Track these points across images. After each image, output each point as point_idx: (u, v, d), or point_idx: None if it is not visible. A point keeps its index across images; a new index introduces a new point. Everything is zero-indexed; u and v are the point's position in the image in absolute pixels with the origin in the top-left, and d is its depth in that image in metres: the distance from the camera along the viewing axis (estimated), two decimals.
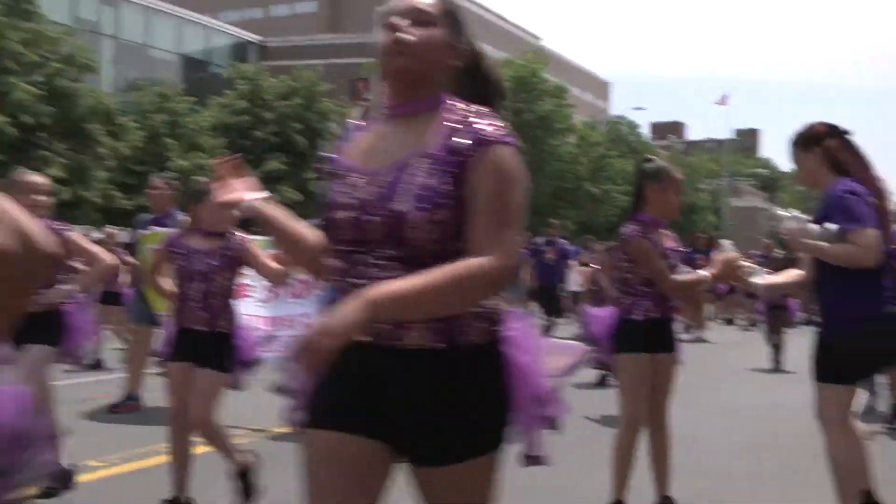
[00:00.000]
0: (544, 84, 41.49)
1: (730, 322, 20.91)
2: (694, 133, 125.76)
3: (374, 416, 2.04)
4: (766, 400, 9.14)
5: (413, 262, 1.98)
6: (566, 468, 5.94)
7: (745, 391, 10.05)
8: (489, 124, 2.09)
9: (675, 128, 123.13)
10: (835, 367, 4.17)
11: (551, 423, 2.17)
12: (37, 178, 5.00)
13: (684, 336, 15.96)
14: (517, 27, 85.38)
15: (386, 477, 2.08)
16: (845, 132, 4.30)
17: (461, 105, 2.14)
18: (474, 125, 2.08)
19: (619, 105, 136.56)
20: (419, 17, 2.18)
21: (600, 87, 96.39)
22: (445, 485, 2.08)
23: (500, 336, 2.10)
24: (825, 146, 4.23)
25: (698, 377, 9.98)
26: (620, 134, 57.65)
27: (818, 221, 4.14)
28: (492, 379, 2.07)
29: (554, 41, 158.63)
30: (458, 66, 2.27)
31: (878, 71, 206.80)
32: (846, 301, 4.13)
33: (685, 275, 4.58)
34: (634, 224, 4.59)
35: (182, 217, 6.94)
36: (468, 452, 2.05)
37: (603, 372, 9.26)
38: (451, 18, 2.28)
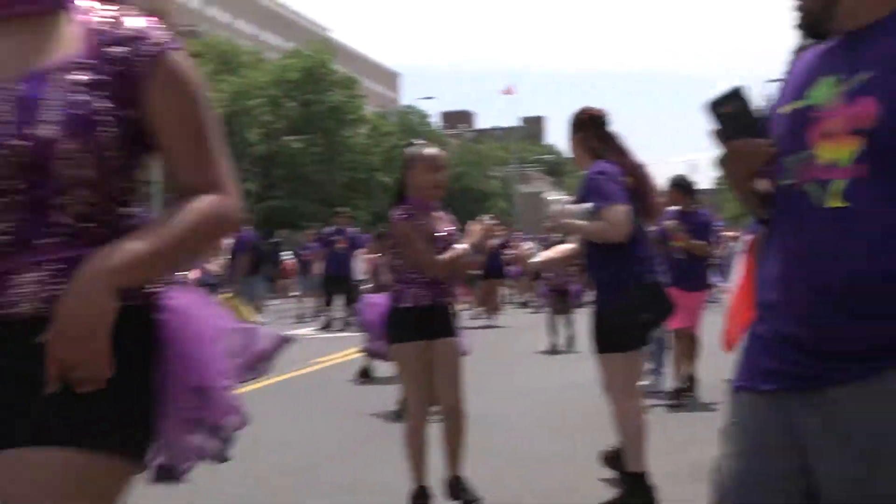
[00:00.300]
0: (334, 75, 41.29)
1: (524, 305, 21.56)
2: (483, 122, 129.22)
3: None
4: (557, 381, 9.44)
5: (50, 207, 1.56)
6: (363, 462, 5.97)
7: (536, 373, 10.32)
8: (150, 26, 1.64)
9: (464, 117, 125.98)
10: (610, 338, 4.45)
11: (213, 429, 1.70)
12: None
13: (476, 321, 16.45)
14: (304, 18, 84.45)
15: None
16: (601, 119, 4.65)
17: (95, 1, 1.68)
18: (130, 26, 1.63)
19: (409, 95, 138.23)
20: None
21: (390, 78, 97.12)
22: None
23: (155, 301, 1.66)
24: (584, 132, 4.66)
25: (491, 362, 10.27)
26: (411, 124, 58.34)
27: (579, 202, 4.49)
28: (127, 352, 1.55)
29: (343, 32, 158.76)
30: None
31: (648, 55, 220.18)
32: (609, 273, 4.49)
33: (444, 254, 4.54)
34: (400, 208, 4.60)
35: None
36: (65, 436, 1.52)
37: (366, 364, 9.25)
38: None
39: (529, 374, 10.28)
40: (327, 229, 16.45)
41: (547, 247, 12.32)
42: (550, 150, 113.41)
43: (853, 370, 1.79)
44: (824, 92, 1.87)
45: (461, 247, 4.57)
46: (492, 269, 14.71)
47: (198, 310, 1.73)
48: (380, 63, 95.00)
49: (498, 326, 15.79)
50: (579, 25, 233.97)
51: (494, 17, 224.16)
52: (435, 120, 70.63)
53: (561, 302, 12.20)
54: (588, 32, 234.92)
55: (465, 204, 58.11)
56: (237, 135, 38.06)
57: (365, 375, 9.35)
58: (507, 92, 65.97)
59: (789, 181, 1.89)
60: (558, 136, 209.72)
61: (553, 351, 11.96)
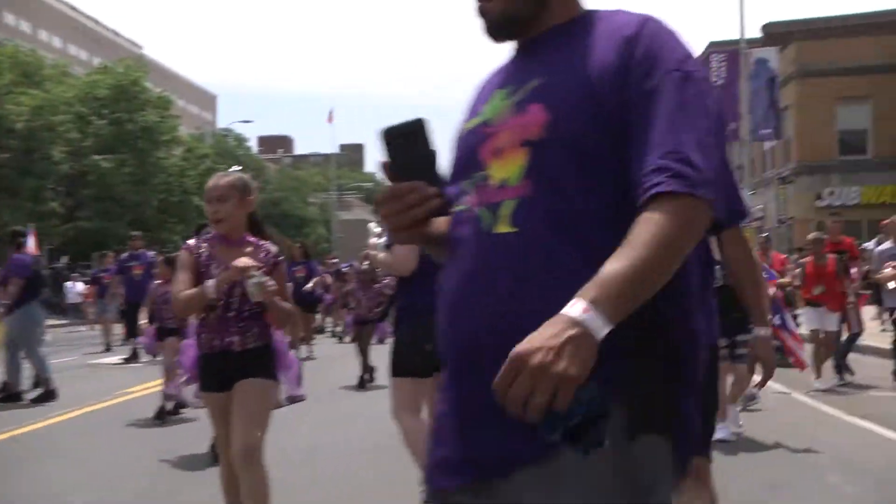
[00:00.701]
0: (147, 94, 39.78)
1: (336, 335, 20.85)
2: (302, 147, 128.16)
3: None
4: (373, 409, 9.29)
5: None
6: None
7: (354, 402, 10.20)
8: None
9: (283, 142, 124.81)
10: (400, 363, 4.72)
11: None
12: None
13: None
14: (116, 34, 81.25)
15: None
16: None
17: None
18: None
19: (227, 118, 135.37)
20: None
21: (207, 100, 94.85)
22: None
23: None
24: None
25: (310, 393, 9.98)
26: (227, 147, 57.05)
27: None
28: None
29: (158, 50, 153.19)
30: None
31: (455, 91, 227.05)
32: (406, 301, 4.78)
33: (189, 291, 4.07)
34: (198, 237, 4.39)
35: None
36: None
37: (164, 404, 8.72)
38: None
39: (347, 403, 10.12)
40: (124, 254, 15.43)
41: (359, 274, 12.28)
42: (370, 178, 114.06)
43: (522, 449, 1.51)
44: (496, 105, 1.74)
45: (209, 283, 3.98)
46: (300, 300, 13.63)
47: None
48: (196, 83, 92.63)
49: (313, 358, 15.20)
50: (398, 55, 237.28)
51: (314, 42, 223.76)
52: (253, 144, 69.50)
53: (364, 334, 11.97)
54: (407, 62, 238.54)
55: (284, 230, 57.43)
56: (39, 151, 35.92)
57: (160, 417, 8.68)
58: (329, 119, 65.68)
59: (464, 207, 1.71)
60: (377, 164, 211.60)
61: (360, 382, 11.50)
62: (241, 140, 60.91)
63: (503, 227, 1.62)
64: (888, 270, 9.39)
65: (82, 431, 8.36)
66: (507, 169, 1.64)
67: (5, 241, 15.34)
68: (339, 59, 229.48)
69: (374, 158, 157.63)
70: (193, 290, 3.98)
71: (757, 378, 3.58)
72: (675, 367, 1.58)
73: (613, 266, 1.45)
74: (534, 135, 1.61)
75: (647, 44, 1.62)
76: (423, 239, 1.80)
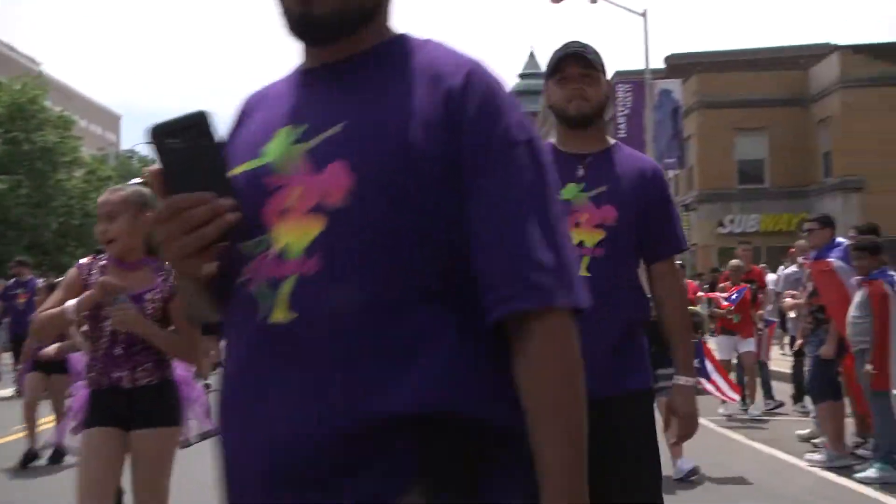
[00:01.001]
0: (45, 113, 38.57)
1: None
2: None
3: None
4: None
5: None
6: None
7: None
8: None
9: None
10: None
11: None
12: None
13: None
14: (11, 49, 78.77)
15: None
16: None
17: None
18: None
19: (132, 139, 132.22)
20: None
21: (110, 120, 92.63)
22: None
23: None
24: None
25: None
26: (132, 169, 55.71)
27: None
28: None
29: (58, 68, 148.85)
30: None
31: None
32: None
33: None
34: (91, 259, 3.92)
35: None
36: None
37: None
38: None
39: None
40: (9, 282, 14.29)
41: None
42: None
43: None
44: (283, 148, 1.37)
45: (70, 303, 3.55)
46: None
47: None
48: (99, 103, 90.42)
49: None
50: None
51: (219, 59, 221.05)
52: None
53: None
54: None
55: None
56: None
57: (25, 463, 8.04)
58: None
59: (243, 278, 1.37)
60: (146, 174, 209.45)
61: None
62: (146, 162, 59.57)
63: (279, 315, 1.30)
64: (788, 300, 9.67)
65: None
66: (291, 237, 1.32)
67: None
68: (251, 77, 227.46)
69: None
70: (54, 310, 3.57)
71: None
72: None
73: (550, 465, 1.30)
74: (333, 202, 1.31)
75: (480, 102, 1.35)
76: (204, 278, 1.40)
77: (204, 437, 3.84)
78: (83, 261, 3.84)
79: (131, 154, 59.52)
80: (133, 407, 3.56)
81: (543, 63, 3.29)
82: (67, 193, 38.89)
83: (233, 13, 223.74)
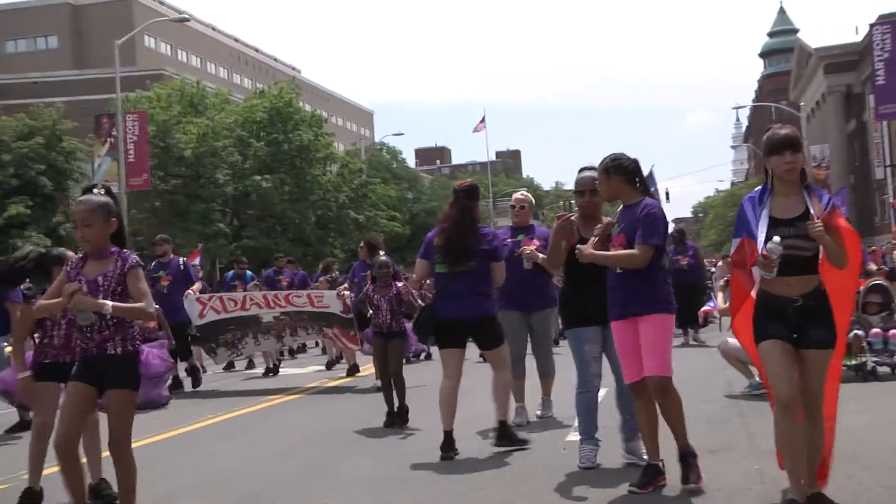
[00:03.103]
0: (300, 114, 41.47)
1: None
2: (459, 157, 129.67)
3: None
4: None
5: None
6: None
7: None
8: None
9: (439, 153, 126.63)
10: None
11: None
12: None
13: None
14: (274, 59, 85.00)
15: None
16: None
17: None
18: None
19: (384, 132, 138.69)
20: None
21: (364, 117, 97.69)
22: None
23: None
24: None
25: None
26: (382, 160, 58.55)
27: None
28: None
29: (315, 73, 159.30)
30: None
31: (610, 93, 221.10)
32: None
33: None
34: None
35: None
36: None
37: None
38: None
39: None
40: (269, 271, 16.91)
41: None
42: (530, 183, 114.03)
43: None
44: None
45: (39, 303, 4.80)
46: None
47: None
48: (353, 102, 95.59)
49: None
50: (548, 62, 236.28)
51: (466, 51, 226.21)
52: (410, 157, 71.26)
53: None
54: (556, 69, 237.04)
55: None
56: (205, 176, 38.11)
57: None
58: (477, 129, 66.23)
59: None
60: (535, 169, 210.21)
61: None
62: (394, 153, 62.41)
63: None
64: None
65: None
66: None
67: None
68: (491, 66, 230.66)
69: (531, 164, 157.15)
70: (42, 303, 4.74)
71: None
72: None
73: None
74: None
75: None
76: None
77: (148, 405, 4.86)
78: (74, 257, 4.97)
79: (381, 146, 62.53)
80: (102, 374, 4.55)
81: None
82: (323, 188, 41.57)
83: (474, 10, 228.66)
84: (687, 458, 5.13)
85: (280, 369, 14.14)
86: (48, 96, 42.27)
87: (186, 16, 39.82)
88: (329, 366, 14.47)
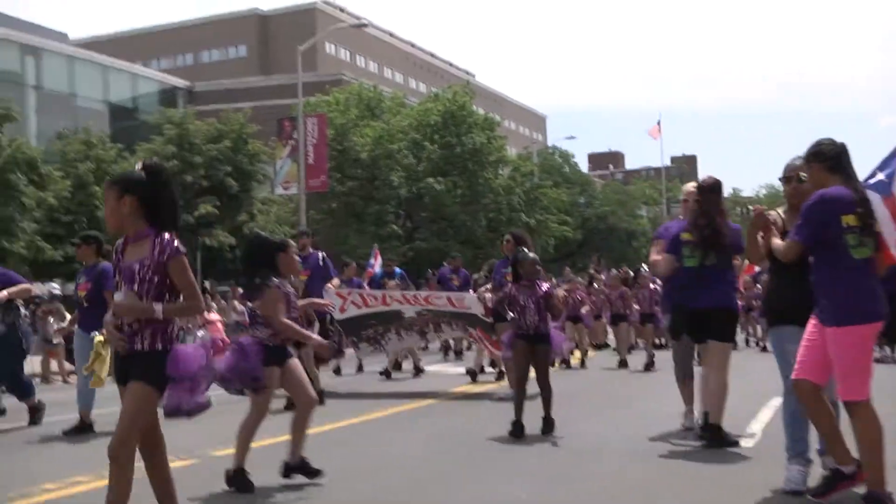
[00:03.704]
0: (473, 117, 41.80)
1: None
2: (633, 162, 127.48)
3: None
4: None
5: None
6: None
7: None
8: None
9: (613, 158, 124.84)
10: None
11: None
12: None
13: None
14: (449, 64, 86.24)
15: None
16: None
17: None
18: None
19: (557, 137, 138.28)
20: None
21: (537, 121, 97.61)
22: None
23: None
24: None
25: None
26: (553, 164, 58.25)
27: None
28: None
29: (489, 77, 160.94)
30: None
31: (795, 96, 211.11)
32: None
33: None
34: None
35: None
36: None
37: None
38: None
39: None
40: (444, 269, 17.06)
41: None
42: None
43: None
44: None
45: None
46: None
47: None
48: (527, 106, 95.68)
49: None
50: (728, 64, 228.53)
51: (641, 56, 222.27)
52: (582, 161, 70.61)
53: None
54: (736, 70, 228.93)
55: (611, 243, 57.56)
56: (380, 178, 39.04)
57: None
58: (653, 134, 64.74)
59: None
60: (711, 175, 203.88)
61: None
62: (566, 157, 61.95)
63: None
64: None
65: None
66: None
67: (360, 265, 17.45)
68: (666, 68, 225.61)
69: (708, 169, 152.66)
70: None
71: None
72: None
73: None
74: None
75: None
76: None
77: (170, 411, 4.08)
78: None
79: (553, 150, 62.25)
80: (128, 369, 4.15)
81: None
82: (495, 191, 41.74)
83: (650, 12, 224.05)
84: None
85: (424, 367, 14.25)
86: (236, 102, 44.49)
87: (365, 22, 40.86)
88: (473, 375, 13.09)
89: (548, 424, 7.65)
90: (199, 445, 6.99)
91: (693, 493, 5.42)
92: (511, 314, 8.05)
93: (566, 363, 15.19)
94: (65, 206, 30.38)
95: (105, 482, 4.23)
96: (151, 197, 4.09)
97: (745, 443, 6.90)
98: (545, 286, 8.01)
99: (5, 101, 29.25)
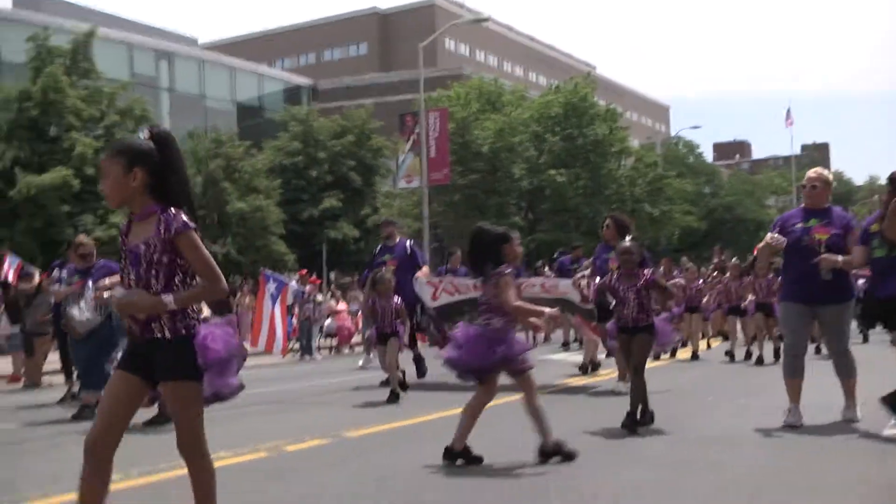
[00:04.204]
0: (595, 108, 41.21)
1: None
2: (760, 151, 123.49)
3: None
4: None
5: None
6: None
7: None
8: None
9: (739, 147, 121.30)
10: None
11: None
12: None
13: None
14: (570, 56, 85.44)
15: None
16: None
17: None
18: None
19: (680, 127, 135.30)
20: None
21: (659, 111, 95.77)
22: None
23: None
24: None
25: None
26: (677, 154, 56.92)
27: None
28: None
29: (611, 69, 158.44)
30: None
31: None
32: None
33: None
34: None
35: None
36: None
37: None
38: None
39: None
40: (564, 258, 16.76)
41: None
42: (839, 177, 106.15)
43: None
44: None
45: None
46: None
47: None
48: (649, 97, 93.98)
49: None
50: (858, 46, 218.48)
51: (765, 42, 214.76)
52: (708, 151, 68.91)
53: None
54: (868, 53, 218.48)
55: (739, 234, 55.85)
56: (502, 171, 38.96)
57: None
58: (788, 122, 62.45)
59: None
60: (845, 163, 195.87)
61: None
62: (691, 147, 60.45)
63: None
64: None
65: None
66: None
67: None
68: (796, 55, 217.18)
69: (841, 157, 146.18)
70: None
71: None
72: None
73: None
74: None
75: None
76: None
77: (215, 398, 3.57)
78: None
79: (676, 140, 60.85)
80: (144, 360, 3.62)
81: None
82: (617, 181, 41.08)
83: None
84: None
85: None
86: (358, 98, 45.18)
87: (485, 16, 40.79)
88: (584, 369, 12.27)
89: (638, 419, 7.05)
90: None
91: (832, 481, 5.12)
92: (612, 304, 7.66)
93: (673, 355, 14.55)
94: (197, 202, 31.53)
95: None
96: (161, 169, 3.58)
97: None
98: (647, 273, 7.45)
99: (140, 101, 30.55)
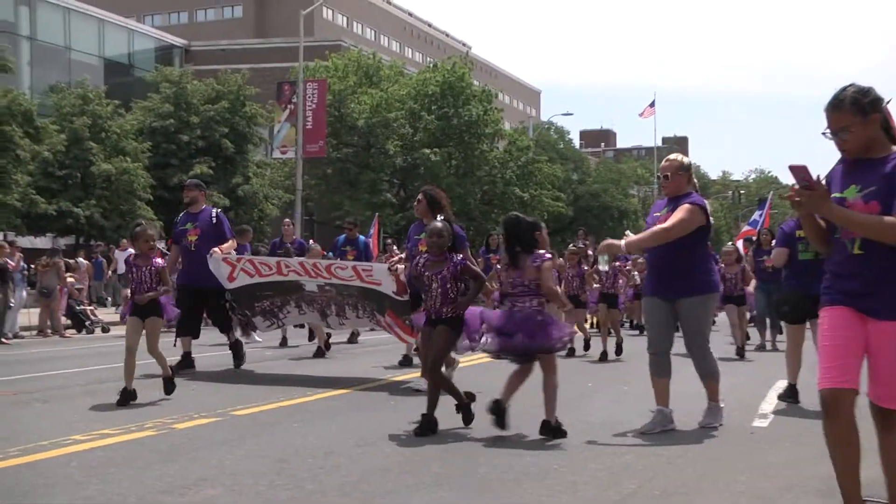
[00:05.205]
0: (471, 89, 41.62)
1: None
2: (625, 141, 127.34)
3: None
4: None
5: None
6: None
7: None
8: None
9: (605, 136, 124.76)
10: None
11: None
12: None
13: None
14: (446, 34, 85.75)
15: None
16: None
17: None
18: None
19: (550, 112, 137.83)
20: None
21: (531, 96, 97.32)
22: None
23: None
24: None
25: None
26: (549, 139, 58.17)
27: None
28: None
29: (485, 50, 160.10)
30: None
31: (785, 81, 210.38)
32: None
33: None
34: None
35: None
36: None
37: None
38: None
39: None
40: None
41: None
42: (695, 171, 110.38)
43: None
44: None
45: None
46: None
47: None
48: (522, 80, 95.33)
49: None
50: (721, 47, 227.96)
51: (636, 35, 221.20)
52: (574, 138, 70.58)
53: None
54: (729, 54, 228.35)
55: (604, 221, 57.63)
56: (376, 146, 38.89)
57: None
58: (645, 114, 64.88)
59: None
60: (701, 157, 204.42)
61: None
62: (562, 133, 61.90)
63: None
64: None
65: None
66: None
67: (342, 227, 16.18)
68: (661, 49, 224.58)
69: (698, 151, 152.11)
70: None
71: None
72: None
73: None
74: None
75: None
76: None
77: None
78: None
79: (548, 125, 62.14)
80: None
81: None
82: (490, 163, 41.66)
83: None
84: None
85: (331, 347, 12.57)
86: (233, 63, 44.06)
87: None
88: (406, 362, 10.79)
89: (431, 419, 6.30)
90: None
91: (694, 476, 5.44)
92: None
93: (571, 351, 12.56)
94: (59, 161, 30.07)
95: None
96: None
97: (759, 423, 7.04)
98: (457, 260, 6.51)
99: (0, 49, 28.85)
